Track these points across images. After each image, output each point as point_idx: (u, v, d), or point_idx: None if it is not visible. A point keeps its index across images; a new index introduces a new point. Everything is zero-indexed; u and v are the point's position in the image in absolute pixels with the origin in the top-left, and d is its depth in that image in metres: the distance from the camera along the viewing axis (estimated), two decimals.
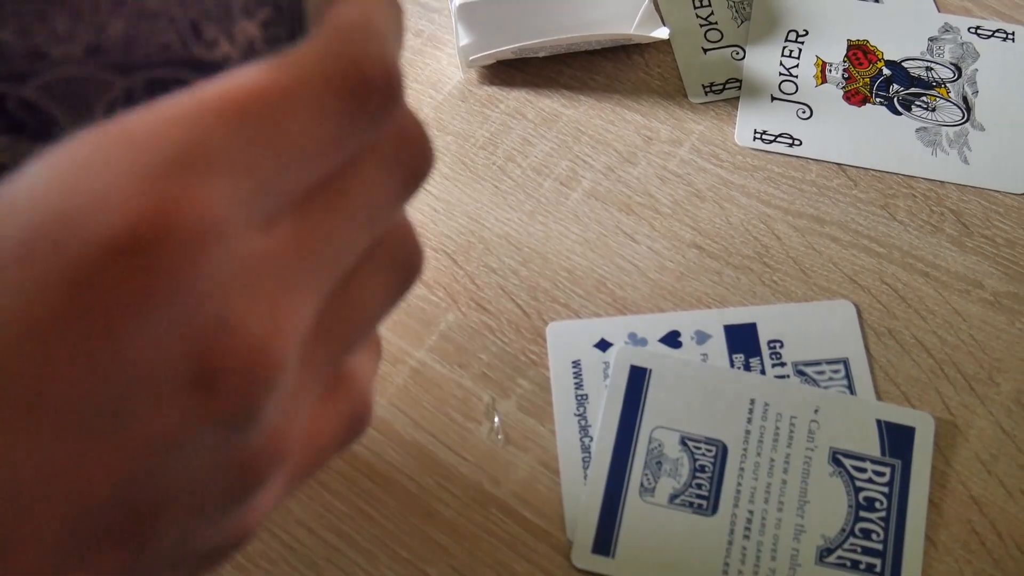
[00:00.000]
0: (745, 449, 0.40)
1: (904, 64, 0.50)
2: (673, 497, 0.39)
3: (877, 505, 0.39)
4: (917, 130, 0.48)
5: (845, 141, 0.48)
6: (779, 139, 0.48)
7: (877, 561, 0.38)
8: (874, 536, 0.38)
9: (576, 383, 0.41)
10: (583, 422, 0.41)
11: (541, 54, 0.49)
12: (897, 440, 0.40)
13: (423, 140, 0.21)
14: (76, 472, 0.16)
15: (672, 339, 0.42)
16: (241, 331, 0.17)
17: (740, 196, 0.46)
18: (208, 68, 0.21)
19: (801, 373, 0.42)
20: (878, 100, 0.49)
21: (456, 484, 0.40)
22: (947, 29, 0.51)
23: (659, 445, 0.40)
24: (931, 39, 0.51)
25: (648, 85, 0.50)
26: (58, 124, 0.21)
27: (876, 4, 0.52)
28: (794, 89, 0.49)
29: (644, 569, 0.38)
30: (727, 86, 0.49)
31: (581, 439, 0.40)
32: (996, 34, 0.51)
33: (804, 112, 0.49)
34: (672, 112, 0.49)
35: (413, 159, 0.20)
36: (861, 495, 0.39)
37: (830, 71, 0.50)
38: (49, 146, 0.17)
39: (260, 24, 0.21)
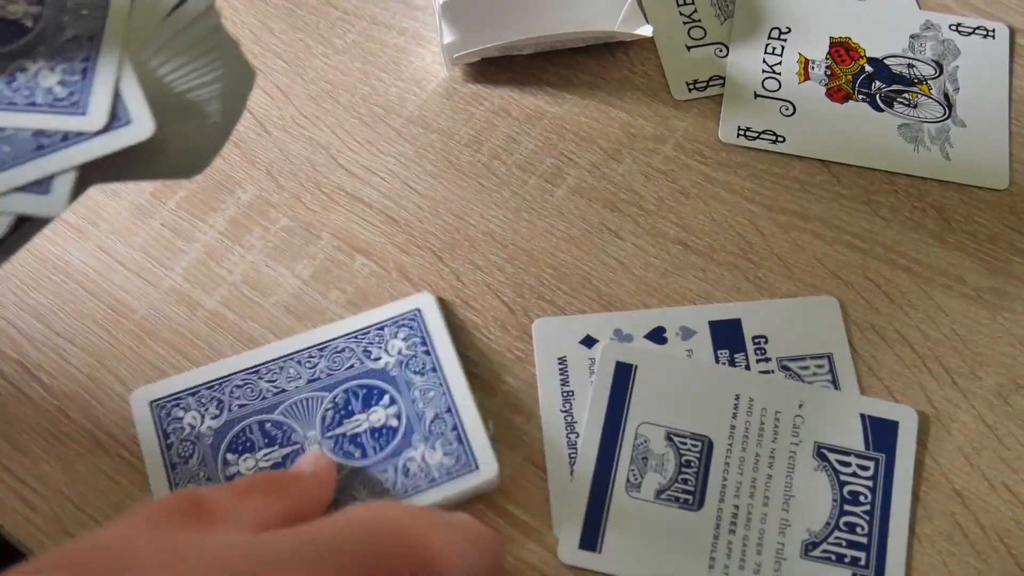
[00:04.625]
0: (731, 444, 0.40)
1: (886, 61, 0.50)
2: (659, 492, 0.39)
3: (861, 499, 0.39)
4: (899, 126, 0.48)
5: (828, 138, 0.48)
6: (762, 136, 0.48)
7: (862, 554, 0.38)
8: (859, 529, 0.39)
9: (562, 380, 0.42)
10: (569, 418, 0.41)
11: (525, 51, 0.49)
12: (881, 434, 0.40)
13: None
14: None
15: (657, 335, 0.43)
16: None
17: (724, 193, 0.47)
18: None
19: (786, 368, 0.42)
20: (860, 97, 0.49)
21: None
22: (928, 26, 0.51)
23: (645, 441, 0.40)
24: (912, 36, 0.51)
25: (632, 82, 0.50)
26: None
27: (858, 2, 0.52)
28: (777, 86, 0.49)
29: (631, 564, 0.38)
30: (711, 83, 0.50)
31: (567, 435, 0.40)
32: (977, 31, 0.51)
33: (787, 109, 0.49)
34: (656, 109, 0.49)
35: None
36: (845, 489, 0.39)
37: (813, 68, 0.50)
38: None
39: None
